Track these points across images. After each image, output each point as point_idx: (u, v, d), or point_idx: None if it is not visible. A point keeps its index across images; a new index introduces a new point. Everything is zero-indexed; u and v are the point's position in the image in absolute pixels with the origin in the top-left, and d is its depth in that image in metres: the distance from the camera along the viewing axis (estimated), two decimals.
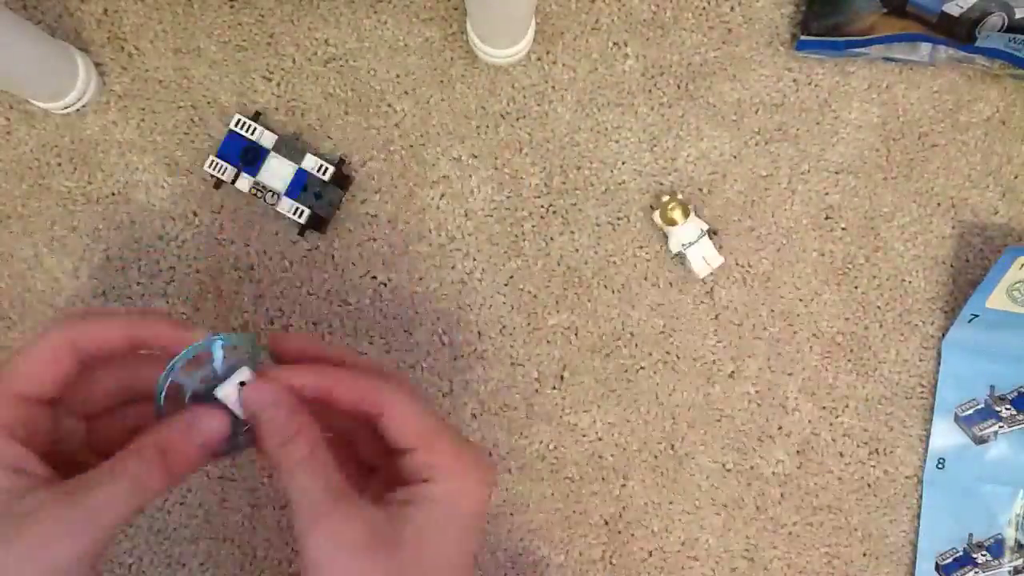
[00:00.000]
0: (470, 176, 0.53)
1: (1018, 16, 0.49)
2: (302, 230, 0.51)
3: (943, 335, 0.52)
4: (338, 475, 0.32)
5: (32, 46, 0.46)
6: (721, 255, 0.52)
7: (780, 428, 0.54)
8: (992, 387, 0.52)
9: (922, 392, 0.54)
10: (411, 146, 0.53)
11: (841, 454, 0.53)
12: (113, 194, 0.52)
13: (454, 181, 0.53)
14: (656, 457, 0.53)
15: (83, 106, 0.51)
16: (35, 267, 0.52)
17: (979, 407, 0.52)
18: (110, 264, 0.52)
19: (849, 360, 0.54)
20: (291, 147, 0.51)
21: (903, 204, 0.54)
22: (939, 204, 0.54)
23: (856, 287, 0.54)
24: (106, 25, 0.52)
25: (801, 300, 0.54)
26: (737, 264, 0.54)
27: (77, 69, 0.50)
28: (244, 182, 0.51)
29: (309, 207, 0.51)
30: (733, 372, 0.53)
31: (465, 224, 0.53)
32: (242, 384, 0.32)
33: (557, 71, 0.53)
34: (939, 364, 0.52)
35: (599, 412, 0.53)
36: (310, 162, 0.51)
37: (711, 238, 0.52)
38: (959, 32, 0.51)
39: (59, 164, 0.52)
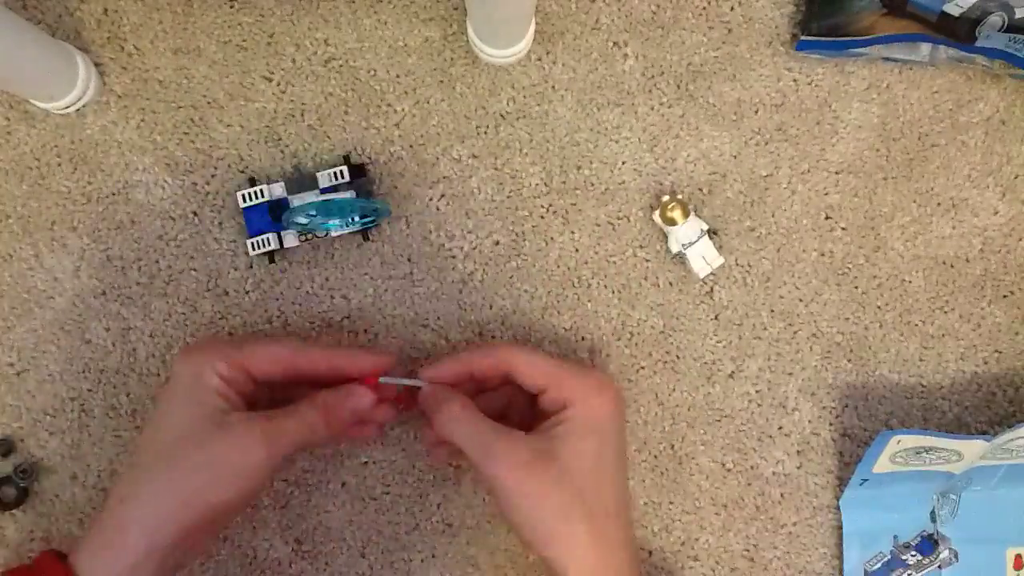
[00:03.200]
0: (470, 176, 0.53)
1: (1018, 16, 0.49)
2: (365, 235, 0.52)
3: (838, 497, 0.53)
4: (491, 422, 0.44)
5: (32, 46, 0.46)
6: (721, 255, 0.52)
7: (780, 428, 0.54)
8: (895, 537, 0.53)
9: (923, 392, 0.54)
10: (411, 146, 0.53)
11: (841, 454, 0.53)
12: (113, 194, 0.52)
13: (454, 181, 0.53)
14: (656, 457, 0.53)
15: (83, 106, 0.51)
16: (35, 267, 0.52)
17: (886, 559, 0.53)
18: (110, 264, 0.52)
19: (849, 360, 0.54)
20: (300, 180, 0.51)
21: (903, 204, 0.54)
22: (939, 204, 0.54)
23: (856, 287, 0.54)
24: (106, 25, 0.52)
25: (801, 300, 0.54)
26: (737, 264, 0.54)
27: (77, 69, 0.50)
28: (290, 238, 0.51)
29: (360, 214, 0.50)
30: (733, 372, 0.53)
31: (465, 224, 0.53)
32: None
33: (557, 71, 0.53)
34: (840, 526, 0.53)
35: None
36: (324, 180, 0.51)
37: (711, 238, 0.52)
38: (959, 32, 0.51)
39: (59, 164, 0.52)
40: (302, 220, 0.49)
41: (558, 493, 0.42)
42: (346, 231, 0.51)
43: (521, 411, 0.48)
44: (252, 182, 0.51)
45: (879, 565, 0.52)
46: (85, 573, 0.40)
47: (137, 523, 0.40)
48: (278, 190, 0.51)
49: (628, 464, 0.48)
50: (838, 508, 0.53)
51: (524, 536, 0.43)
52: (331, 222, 0.49)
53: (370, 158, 0.53)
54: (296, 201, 0.50)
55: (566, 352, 0.53)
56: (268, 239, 0.50)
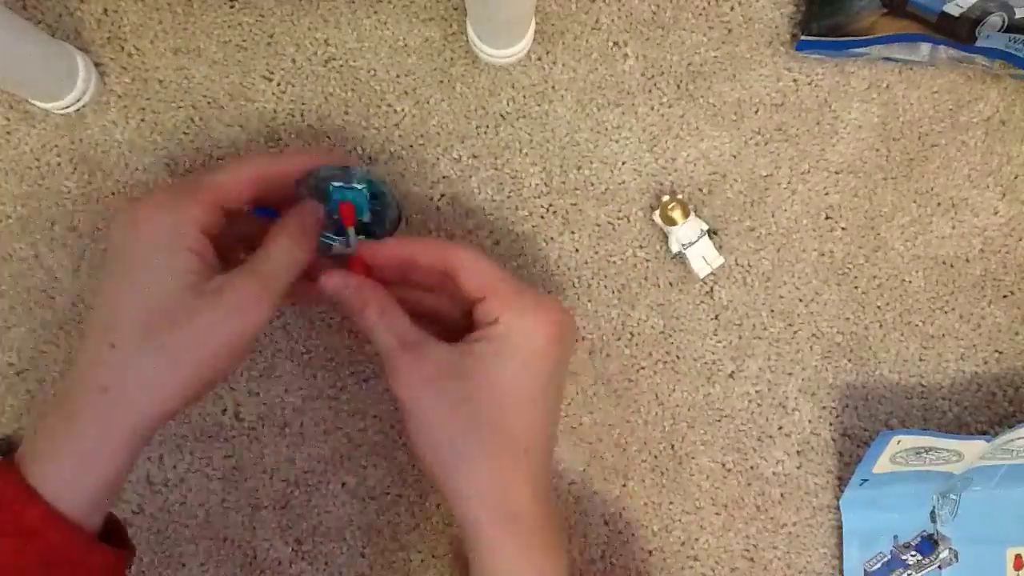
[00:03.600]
0: (470, 176, 0.53)
1: (1018, 16, 0.49)
2: (326, 248, 0.45)
3: (839, 497, 0.53)
4: (410, 327, 0.39)
5: (32, 46, 0.46)
6: (721, 255, 0.52)
7: (780, 428, 0.54)
8: (895, 537, 0.53)
9: (923, 392, 0.54)
10: (411, 146, 0.53)
11: (841, 454, 0.53)
12: (113, 194, 0.52)
13: (454, 181, 0.53)
14: (656, 457, 0.53)
15: (83, 106, 0.51)
16: (35, 267, 0.52)
17: (886, 559, 0.53)
18: None
19: (849, 360, 0.54)
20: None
21: (903, 204, 0.54)
22: (939, 204, 0.54)
23: (856, 287, 0.54)
24: (106, 25, 0.52)
25: (801, 300, 0.54)
26: (737, 264, 0.54)
27: (77, 69, 0.50)
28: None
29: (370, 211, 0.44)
30: (733, 372, 0.53)
31: (465, 224, 0.53)
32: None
33: (557, 71, 0.53)
34: (841, 526, 0.53)
35: (599, 412, 0.53)
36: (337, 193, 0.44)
37: (711, 238, 0.52)
38: (959, 32, 0.51)
39: (59, 164, 0.52)
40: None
41: (460, 416, 0.37)
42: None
43: (454, 322, 0.43)
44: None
45: (879, 565, 0.52)
46: (49, 484, 0.34)
47: (125, 418, 0.35)
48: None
49: (561, 399, 0.43)
50: (838, 508, 0.53)
51: (423, 464, 0.39)
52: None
53: (370, 158, 0.53)
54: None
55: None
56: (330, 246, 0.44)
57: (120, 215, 0.39)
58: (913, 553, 0.53)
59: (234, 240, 0.42)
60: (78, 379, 0.36)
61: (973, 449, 0.49)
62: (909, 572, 0.53)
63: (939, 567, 0.52)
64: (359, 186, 0.43)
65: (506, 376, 0.38)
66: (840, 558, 0.53)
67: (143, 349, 0.36)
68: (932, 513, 0.53)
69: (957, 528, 0.53)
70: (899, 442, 0.49)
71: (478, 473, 0.37)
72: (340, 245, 0.43)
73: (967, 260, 0.54)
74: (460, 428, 0.37)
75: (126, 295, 0.37)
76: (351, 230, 0.43)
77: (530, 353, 0.39)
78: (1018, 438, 0.49)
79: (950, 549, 0.53)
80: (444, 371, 0.38)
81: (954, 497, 0.53)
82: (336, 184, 0.43)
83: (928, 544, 0.53)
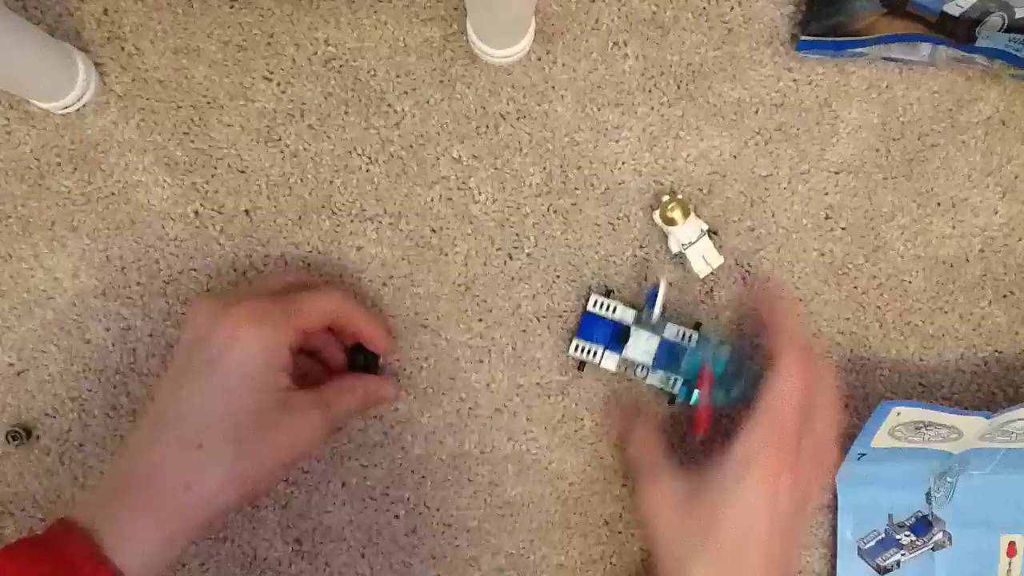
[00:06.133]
0: (470, 176, 0.53)
1: (1018, 16, 0.49)
2: (672, 399, 0.52)
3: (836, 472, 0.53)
4: (664, 448, 0.47)
5: (32, 46, 0.46)
6: (721, 255, 0.52)
7: None
8: (890, 515, 0.53)
9: (923, 392, 0.54)
10: (411, 146, 0.53)
11: (840, 454, 0.53)
12: (113, 194, 0.52)
13: (454, 181, 0.53)
14: None
15: (83, 106, 0.51)
16: (35, 267, 0.52)
17: (880, 537, 0.53)
18: (110, 264, 0.52)
19: (849, 360, 0.54)
20: (648, 321, 0.51)
21: (903, 204, 0.54)
22: (939, 204, 0.54)
23: (856, 287, 0.54)
24: (106, 25, 0.52)
25: (801, 300, 0.54)
26: (737, 264, 0.54)
27: (77, 69, 0.50)
28: (611, 361, 0.51)
29: (681, 377, 0.51)
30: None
31: (465, 225, 0.53)
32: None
33: (557, 71, 0.53)
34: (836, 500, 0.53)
35: (599, 412, 0.53)
36: (671, 331, 0.51)
37: (711, 238, 0.52)
38: (959, 32, 0.51)
39: (59, 164, 0.52)
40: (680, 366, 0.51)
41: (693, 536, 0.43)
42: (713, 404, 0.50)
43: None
44: (608, 293, 0.52)
45: (873, 543, 0.52)
46: (125, 560, 0.38)
47: (202, 510, 0.40)
48: (629, 316, 0.51)
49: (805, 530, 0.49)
50: (838, 505, 0.53)
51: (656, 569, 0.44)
52: (716, 394, 0.49)
53: (370, 158, 0.53)
54: (639, 333, 0.51)
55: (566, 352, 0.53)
56: (596, 351, 0.51)
57: (210, 315, 0.42)
58: (907, 533, 0.53)
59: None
60: (158, 472, 0.40)
61: (972, 426, 0.49)
62: (903, 552, 0.53)
63: (932, 548, 0.53)
64: (717, 354, 0.50)
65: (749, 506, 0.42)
66: (834, 535, 0.53)
67: (232, 453, 0.40)
68: (928, 494, 0.53)
69: (952, 511, 0.53)
70: (898, 414, 0.49)
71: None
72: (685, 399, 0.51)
73: (967, 260, 0.54)
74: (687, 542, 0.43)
75: (219, 402, 0.41)
76: (704, 391, 0.49)
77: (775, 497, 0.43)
78: (1018, 419, 0.49)
79: (944, 531, 0.53)
80: (688, 498, 0.44)
81: (951, 480, 0.53)
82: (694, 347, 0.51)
83: (922, 525, 0.53)
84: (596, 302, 0.51)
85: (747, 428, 0.42)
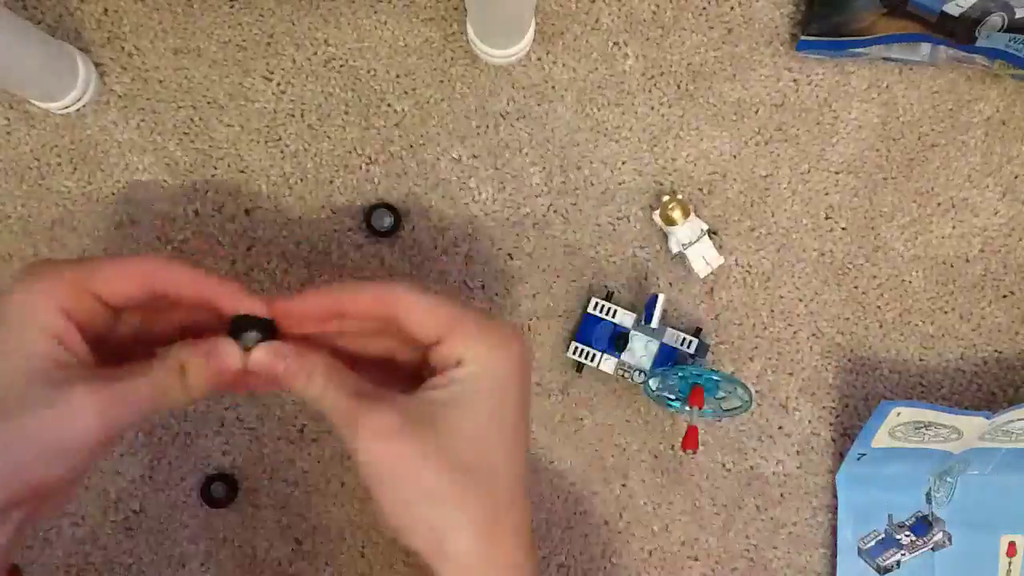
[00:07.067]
0: (470, 176, 0.53)
1: (1018, 16, 0.49)
2: (668, 404, 0.51)
3: (835, 473, 0.53)
4: (361, 384, 0.35)
5: (32, 46, 0.46)
6: (721, 255, 0.52)
7: (780, 428, 0.54)
8: (890, 516, 0.53)
9: (923, 392, 0.54)
10: (411, 146, 0.53)
11: (841, 454, 0.53)
12: (113, 194, 0.52)
13: (454, 181, 0.53)
14: (656, 457, 0.53)
15: (83, 106, 0.51)
16: None
17: (880, 537, 0.53)
18: None
19: (849, 360, 0.54)
20: (646, 322, 0.51)
21: (903, 204, 0.54)
22: (939, 204, 0.54)
23: (856, 287, 0.54)
24: (106, 25, 0.52)
25: (801, 300, 0.54)
26: (737, 264, 0.54)
27: (77, 69, 0.50)
28: (609, 363, 0.51)
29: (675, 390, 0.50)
30: (733, 372, 0.53)
31: (465, 225, 0.53)
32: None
33: (557, 71, 0.53)
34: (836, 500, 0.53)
35: (599, 412, 0.53)
36: (670, 336, 0.51)
37: (711, 238, 0.52)
38: (959, 32, 0.51)
39: (59, 164, 0.52)
40: (672, 381, 0.49)
41: (434, 470, 0.32)
42: (703, 416, 0.51)
43: (409, 367, 0.38)
44: (609, 296, 0.52)
45: (873, 543, 0.53)
46: None
47: None
48: (628, 319, 0.51)
49: (528, 433, 0.37)
50: (838, 505, 0.53)
51: (396, 528, 0.34)
52: (706, 409, 0.50)
53: (370, 158, 0.53)
54: (638, 337, 0.51)
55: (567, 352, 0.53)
56: (594, 355, 0.51)
57: (13, 278, 0.34)
58: (907, 533, 0.53)
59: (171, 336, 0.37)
60: None
61: (972, 427, 0.49)
62: (903, 552, 0.53)
63: (932, 549, 0.53)
64: (710, 372, 0.47)
65: (482, 423, 0.34)
66: (835, 535, 0.53)
67: None
68: (928, 494, 0.53)
69: (952, 511, 0.53)
70: (899, 414, 0.49)
71: (464, 532, 0.33)
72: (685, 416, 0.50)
73: (967, 260, 0.54)
74: (435, 481, 0.32)
75: None
76: (694, 408, 0.48)
77: (502, 392, 0.35)
78: (1017, 419, 0.49)
79: (944, 532, 0.53)
80: (408, 422, 0.33)
81: (951, 480, 0.53)
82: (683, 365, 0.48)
83: (922, 525, 0.53)
84: (596, 304, 0.51)
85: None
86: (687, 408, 0.48)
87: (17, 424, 0.31)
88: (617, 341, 0.51)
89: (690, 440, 0.47)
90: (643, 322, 0.50)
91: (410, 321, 0.35)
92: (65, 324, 0.33)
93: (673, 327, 0.51)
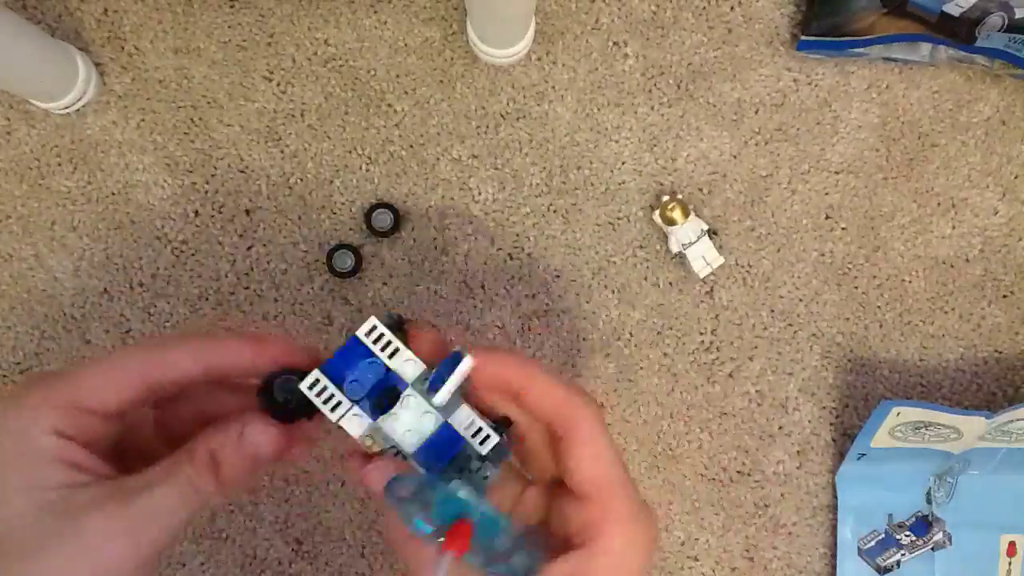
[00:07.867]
0: (470, 176, 0.53)
1: (1018, 16, 0.49)
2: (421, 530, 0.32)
3: (834, 472, 0.53)
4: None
5: (32, 46, 0.46)
6: (721, 255, 0.52)
7: (780, 428, 0.54)
8: (890, 515, 0.53)
9: (923, 392, 0.54)
10: (411, 146, 0.53)
11: (841, 454, 0.53)
12: (113, 194, 0.52)
13: (454, 181, 0.53)
14: (655, 457, 0.53)
15: (83, 106, 0.51)
16: (35, 267, 0.52)
17: (880, 537, 0.53)
18: (110, 264, 0.52)
19: (849, 360, 0.54)
20: (433, 392, 0.31)
21: (903, 204, 0.54)
22: (939, 204, 0.54)
23: (856, 287, 0.54)
24: (106, 25, 0.52)
25: (801, 300, 0.54)
26: (737, 264, 0.54)
27: (77, 69, 0.50)
28: (353, 423, 0.31)
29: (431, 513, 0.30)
30: (733, 372, 0.53)
31: (465, 224, 0.53)
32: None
33: (557, 71, 0.53)
34: (836, 500, 0.53)
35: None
36: (462, 418, 0.31)
37: (711, 238, 0.52)
38: (959, 32, 0.51)
39: (59, 164, 0.52)
40: (429, 498, 0.30)
41: None
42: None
43: (538, 450, 0.33)
44: (400, 324, 0.32)
45: (873, 543, 0.53)
46: None
47: None
48: (411, 370, 0.31)
49: None
50: (838, 505, 0.53)
51: None
52: (469, 556, 0.29)
53: (370, 158, 0.53)
54: (414, 401, 0.31)
55: (567, 352, 0.53)
56: (339, 402, 0.30)
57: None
58: (907, 533, 0.53)
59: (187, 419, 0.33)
60: None
61: (972, 427, 0.49)
62: (903, 552, 0.53)
63: (932, 549, 0.53)
64: (494, 513, 0.29)
65: None
66: (834, 535, 0.53)
67: None
68: (928, 494, 0.53)
69: (952, 511, 0.53)
70: (898, 414, 0.49)
71: None
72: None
73: (967, 260, 0.54)
74: None
75: None
76: (452, 553, 0.28)
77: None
78: (1017, 419, 0.49)
79: (944, 532, 0.53)
80: None
81: (951, 480, 0.53)
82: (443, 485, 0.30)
83: (922, 525, 0.53)
84: (372, 330, 0.31)
85: None
86: (440, 546, 0.29)
87: (36, 568, 0.28)
88: (383, 395, 0.31)
89: (457, 538, 0.28)
90: (428, 386, 0.31)
91: (575, 458, 0.31)
92: (65, 445, 0.29)
93: (475, 406, 0.31)
